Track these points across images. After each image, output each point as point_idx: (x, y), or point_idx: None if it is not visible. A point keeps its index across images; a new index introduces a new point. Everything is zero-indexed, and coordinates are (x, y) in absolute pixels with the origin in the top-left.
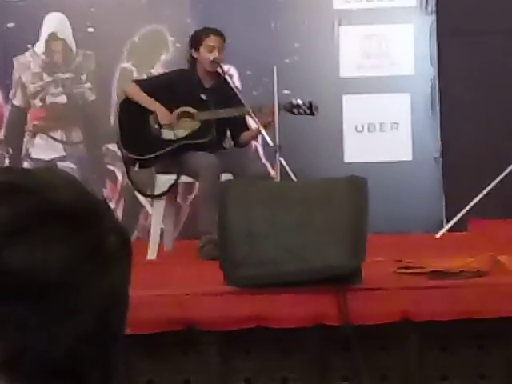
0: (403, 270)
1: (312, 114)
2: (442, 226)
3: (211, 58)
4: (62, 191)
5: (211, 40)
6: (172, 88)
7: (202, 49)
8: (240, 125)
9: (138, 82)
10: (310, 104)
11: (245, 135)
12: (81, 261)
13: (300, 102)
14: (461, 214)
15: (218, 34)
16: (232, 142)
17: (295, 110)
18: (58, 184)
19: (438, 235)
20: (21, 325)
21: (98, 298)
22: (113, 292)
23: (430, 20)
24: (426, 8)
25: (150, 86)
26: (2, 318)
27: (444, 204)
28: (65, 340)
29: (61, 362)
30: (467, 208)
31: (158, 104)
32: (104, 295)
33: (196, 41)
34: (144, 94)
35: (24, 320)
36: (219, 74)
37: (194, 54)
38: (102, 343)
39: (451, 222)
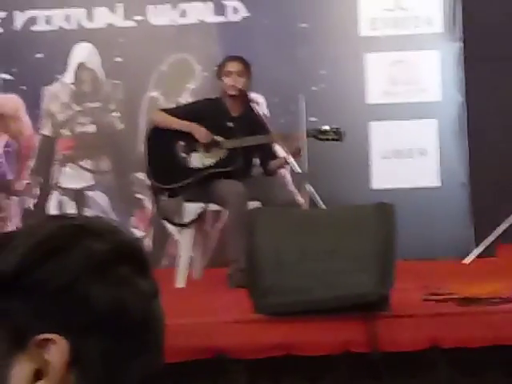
0: (432, 297)
1: (339, 139)
2: (470, 252)
3: (230, 83)
4: (123, 236)
5: (229, 66)
6: (199, 116)
7: (222, 76)
8: (268, 153)
9: (166, 111)
10: (337, 130)
11: (273, 163)
12: (150, 299)
13: (327, 128)
14: (489, 240)
15: (237, 59)
16: (259, 170)
17: (322, 136)
18: (116, 229)
19: (467, 261)
20: (101, 358)
21: (159, 334)
22: (163, 331)
23: (457, 46)
24: (453, 34)
25: (178, 114)
26: (85, 351)
27: (473, 230)
28: (138, 373)
29: None
30: (496, 233)
31: (193, 124)
32: (160, 334)
33: (218, 70)
34: (174, 118)
35: (105, 353)
36: (246, 102)
37: (220, 83)
38: (159, 375)
39: (480, 248)
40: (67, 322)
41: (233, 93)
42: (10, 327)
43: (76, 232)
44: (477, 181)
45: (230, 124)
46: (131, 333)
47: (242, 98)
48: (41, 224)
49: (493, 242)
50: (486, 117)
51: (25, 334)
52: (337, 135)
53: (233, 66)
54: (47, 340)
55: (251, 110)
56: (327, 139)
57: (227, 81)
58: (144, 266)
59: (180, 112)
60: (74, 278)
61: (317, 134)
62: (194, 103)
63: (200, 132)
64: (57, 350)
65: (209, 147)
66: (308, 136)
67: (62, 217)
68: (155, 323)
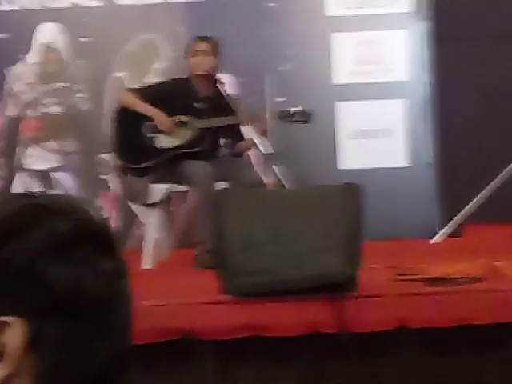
0: (399, 277)
1: (306, 121)
2: (437, 232)
3: (197, 63)
4: (87, 215)
5: (196, 46)
6: (167, 97)
7: (190, 56)
8: (235, 134)
9: (133, 91)
10: (305, 112)
11: (241, 144)
12: (113, 280)
13: (295, 110)
14: (456, 220)
15: (204, 39)
16: (227, 151)
17: (290, 119)
18: (80, 208)
19: (433, 241)
20: (62, 340)
21: (124, 316)
22: (129, 312)
23: (425, 26)
24: (421, 14)
25: (145, 94)
26: (45, 333)
27: (439, 209)
28: (101, 354)
29: (94, 375)
30: (462, 213)
31: (155, 110)
32: (125, 315)
33: (186, 50)
34: (140, 102)
35: (65, 335)
36: (214, 82)
37: (187, 63)
38: (125, 357)
39: (446, 228)
40: (26, 303)
41: (199, 72)
42: None
43: (38, 211)
44: (444, 161)
45: (198, 104)
46: (92, 314)
47: (210, 78)
48: (3, 203)
49: (460, 223)
50: (454, 97)
51: None
52: (304, 117)
53: (200, 46)
54: (3, 322)
55: (218, 90)
56: (294, 121)
57: (194, 60)
58: (109, 246)
59: (147, 92)
60: (34, 259)
61: (284, 116)
62: (161, 83)
63: (160, 118)
64: (13, 333)
65: (174, 130)
66: (275, 118)
67: (25, 196)
68: (119, 304)
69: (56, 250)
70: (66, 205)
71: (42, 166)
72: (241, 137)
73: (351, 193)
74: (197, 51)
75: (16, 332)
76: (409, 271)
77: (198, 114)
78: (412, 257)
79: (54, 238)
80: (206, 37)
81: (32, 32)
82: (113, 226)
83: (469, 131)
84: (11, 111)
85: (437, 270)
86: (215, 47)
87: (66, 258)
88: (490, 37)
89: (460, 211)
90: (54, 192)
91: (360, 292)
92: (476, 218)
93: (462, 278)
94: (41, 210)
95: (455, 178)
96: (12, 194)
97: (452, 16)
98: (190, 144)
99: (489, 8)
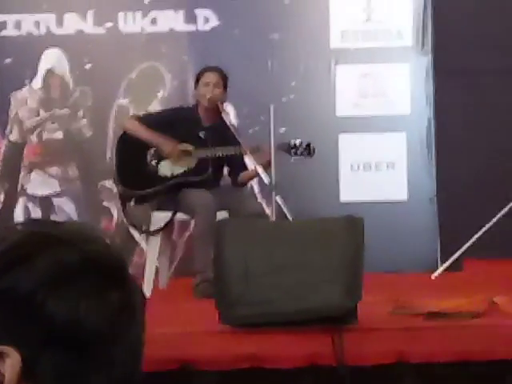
0: (399, 311)
1: (310, 155)
2: (437, 266)
3: (206, 95)
4: (97, 246)
5: (206, 77)
6: (171, 125)
7: (199, 86)
8: (238, 164)
9: (137, 118)
10: (308, 145)
11: (243, 175)
12: (116, 314)
13: (298, 142)
14: (456, 255)
15: (214, 70)
16: (229, 180)
17: (293, 151)
18: (92, 238)
19: (434, 275)
20: (59, 371)
21: (129, 349)
22: (138, 344)
23: (427, 60)
24: (423, 48)
25: (149, 121)
26: (44, 365)
27: (439, 244)
28: None
29: None
30: (463, 248)
31: (161, 138)
32: (133, 347)
33: (195, 79)
34: (145, 129)
35: (65, 366)
36: (219, 112)
37: (195, 93)
38: None
39: (447, 263)
40: (23, 333)
41: (207, 104)
42: None
43: (44, 241)
44: (444, 195)
45: (202, 134)
46: (92, 347)
47: (215, 108)
48: (10, 231)
49: (459, 257)
50: (455, 131)
51: None
52: (307, 151)
53: (211, 77)
54: (1, 353)
55: (222, 120)
56: (297, 154)
57: (204, 91)
58: (117, 277)
59: (152, 120)
60: (35, 289)
61: (288, 149)
62: (166, 111)
63: (165, 145)
64: (9, 363)
65: (178, 157)
66: (278, 150)
67: (34, 224)
68: (125, 336)
69: (59, 280)
70: (75, 234)
71: (44, 191)
72: (244, 167)
73: (353, 225)
74: (208, 82)
75: (12, 362)
76: (408, 305)
77: (201, 143)
78: (412, 290)
79: (57, 268)
80: (215, 68)
81: (37, 58)
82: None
83: (470, 166)
84: (14, 136)
85: (436, 305)
86: (224, 79)
87: (69, 289)
88: (492, 72)
89: (460, 246)
90: (55, 218)
91: (359, 325)
92: (476, 252)
93: (461, 313)
94: (47, 240)
95: (456, 213)
96: (22, 221)
97: (453, 50)
98: (193, 172)
99: (491, 43)
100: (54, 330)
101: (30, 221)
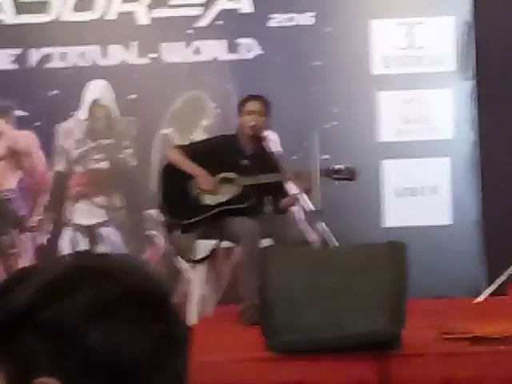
0: (444, 336)
1: (352, 179)
2: (482, 291)
3: (250, 123)
4: (140, 277)
5: (249, 105)
6: (213, 154)
7: (242, 114)
8: (279, 190)
9: (181, 148)
10: (350, 169)
11: (284, 201)
12: (157, 346)
13: (341, 167)
14: (501, 279)
15: (257, 98)
16: (271, 207)
17: (335, 176)
18: (134, 270)
19: (479, 300)
20: None
21: (170, 380)
22: (180, 377)
23: (470, 84)
24: (466, 73)
25: (193, 151)
26: None
27: (485, 268)
28: None
29: None
30: (507, 272)
31: (199, 169)
32: (175, 378)
33: (238, 108)
34: (186, 160)
35: None
36: (260, 140)
37: (239, 121)
38: None
39: (492, 287)
40: (65, 364)
41: (250, 133)
42: (15, 368)
43: (86, 273)
44: (489, 219)
45: (245, 162)
46: (130, 378)
47: (257, 136)
48: (55, 263)
49: (505, 281)
50: (499, 155)
51: (27, 377)
52: (350, 174)
53: (255, 106)
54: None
55: (264, 147)
56: (340, 179)
57: (248, 120)
58: (160, 310)
59: (195, 149)
60: (77, 321)
61: (330, 174)
62: (208, 140)
63: (203, 179)
64: None
65: (216, 189)
66: (321, 175)
67: (78, 256)
68: (165, 367)
69: (100, 313)
70: (118, 266)
71: (89, 221)
72: (285, 193)
73: (396, 251)
74: (252, 111)
75: None
76: (454, 330)
77: (244, 171)
78: (457, 315)
79: (99, 301)
80: (259, 96)
81: (82, 89)
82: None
83: None
84: (60, 166)
85: (482, 330)
86: (267, 107)
87: (110, 321)
88: None
89: (505, 270)
90: (101, 247)
91: (404, 351)
92: None
93: (507, 337)
94: (89, 272)
95: (500, 237)
96: (67, 254)
97: (497, 75)
98: (236, 201)
99: None
100: (93, 360)
101: (75, 253)
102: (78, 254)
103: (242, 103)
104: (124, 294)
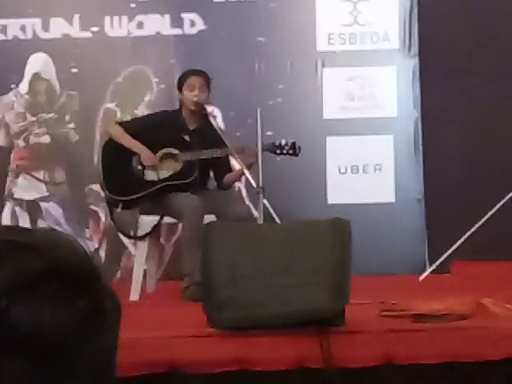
0: (386, 313)
1: (295, 154)
2: (425, 268)
3: (193, 99)
4: (66, 252)
5: (192, 80)
6: (156, 129)
7: (184, 89)
8: (223, 166)
9: (122, 124)
10: (293, 144)
11: (228, 176)
12: (82, 322)
13: (283, 142)
14: (444, 256)
15: (199, 73)
16: (215, 183)
17: (278, 151)
18: (61, 244)
19: (422, 277)
20: (24, 380)
21: (95, 359)
22: (107, 353)
23: (413, 62)
24: (409, 50)
25: (134, 127)
26: (6, 373)
27: (427, 246)
28: None
29: None
30: (450, 250)
31: (141, 146)
32: (101, 355)
33: (179, 82)
34: (127, 136)
35: (27, 375)
36: (204, 115)
37: (179, 96)
38: None
39: (434, 265)
40: None
41: (192, 107)
42: None
43: (9, 248)
44: (431, 197)
45: (187, 137)
46: (55, 355)
47: (200, 111)
48: None
49: (447, 259)
50: (442, 133)
51: None
52: (293, 150)
53: (195, 81)
54: None
55: (208, 123)
56: (283, 153)
57: (189, 95)
58: (85, 285)
59: (136, 124)
60: None
61: (273, 149)
62: (150, 115)
63: (144, 155)
64: None
65: (158, 165)
66: (264, 150)
67: (3, 231)
68: (92, 344)
69: (23, 288)
70: (43, 241)
71: (31, 195)
72: (229, 169)
73: (340, 228)
74: (193, 86)
75: None
76: (396, 307)
77: (187, 147)
78: (399, 293)
79: (21, 276)
80: (199, 71)
81: (23, 62)
82: (100, 257)
83: (456, 167)
84: (1, 140)
85: (424, 307)
86: (208, 82)
87: (32, 297)
88: (478, 74)
89: (448, 248)
90: (42, 222)
91: (347, 327)
92: (464, 254)
93: (449, 315)
94: (12, 247)
95: (443, 214)
96: None
97: (441, 53)
98: (179, 176)
99: (476, 45)
100: (16, 338)
101: (1, 228)
102: (3, 228)
103: (182, 78)
104: (48, 269)
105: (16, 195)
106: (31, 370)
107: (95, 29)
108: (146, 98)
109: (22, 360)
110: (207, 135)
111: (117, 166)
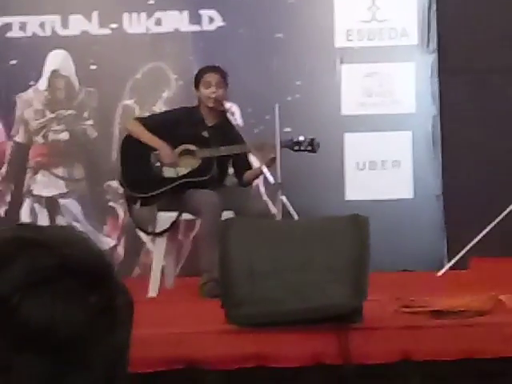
0: (404, 309)
1: (313, 150)
2: (443, 264)
3: (209, 95)
4: (78, 248)
5: (208, 77)
6: (174, 126)
7: (201, 86)
8: (242, 163)
9: (141, 120)
10: (312, 141)
11: (248, 174)
12: (94, 318)
13: (301, 138)
14: (462, 253)
15: (215, 70)
16: (234, 180)
17: (296, 147)
18: (73, 241)
19: (440, 273)
20: (35, 375)
21: (107, 354)
22: (119, 349)
23: (432, 58)
24: (428, 46)
25: (153, 123)
26: (18, 368)
27: (445, 242)
28: None
29: None
30: (469, 246)
31: (160, 142)
32: (112, 351)
33: (196, 80)
34: (147, 132)
35: (39, 371)
36: (222, 111)
37: (196, 93)
38: None
39: (452, 261)
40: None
41: (211, 104)
42: None
43: (22, 245)
44: (450, 193)
45: (205, 133)
46: (65, 352)
47: (218, 107)
48: None
49: (465, 255)
50: (460, 129)
51: None
52: (311, 146)
53: (212, 77)
54: None
55: (226, 119)
56: (301, 150)
57: (206, 92)
58: (96, 281)
59: (155, 121)
60: (9, 293)
61: (291, 145)
62: (169, 112)
63: (163, 152)
64: None
65: (177, 162)
66: (282, 146)
67: (15, 228)
68: (104, 340)
69: (35, 284)
70: (56, 238)
71: (49, 192)
72: (248, 166)
73: (358, 224)
74: (209, 82)
75: None
76: (414, 303)
77: (205, 143)
78: (417, 289)
79: (33, 272)
80: (217, 67)
81: (42, 59)
82: (118, 253)
83: (476, 163)
84: (20, 137)
85: (442, 303)
86: (224, 78)
87: (44, 293)
88: (497, 70)
89: (466, 244)
90: (61, 218)
91: (365, 324)
92: (482, 251)
93: (466, 311)
94: (26, 244)
95: (462, 210)
96: (7, 227)
97: (460, 49)
98: (198, 173)
99: (496, 41)
100: (28, 334)
101: (15, 226)
102: (18, 226)
103: (199, 75)
104: (59, 265)
105: (35, 192)
106: (43, 366)
107: (114, 25)
108: (165, 95)
109: (34, 355)
110: (225, 132)
111: (135, 163)
